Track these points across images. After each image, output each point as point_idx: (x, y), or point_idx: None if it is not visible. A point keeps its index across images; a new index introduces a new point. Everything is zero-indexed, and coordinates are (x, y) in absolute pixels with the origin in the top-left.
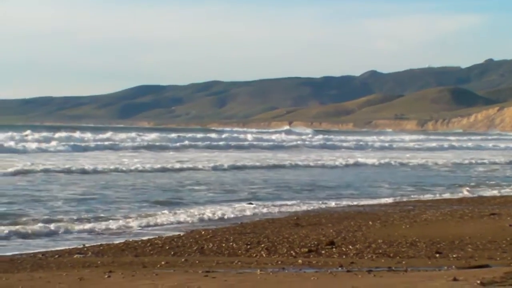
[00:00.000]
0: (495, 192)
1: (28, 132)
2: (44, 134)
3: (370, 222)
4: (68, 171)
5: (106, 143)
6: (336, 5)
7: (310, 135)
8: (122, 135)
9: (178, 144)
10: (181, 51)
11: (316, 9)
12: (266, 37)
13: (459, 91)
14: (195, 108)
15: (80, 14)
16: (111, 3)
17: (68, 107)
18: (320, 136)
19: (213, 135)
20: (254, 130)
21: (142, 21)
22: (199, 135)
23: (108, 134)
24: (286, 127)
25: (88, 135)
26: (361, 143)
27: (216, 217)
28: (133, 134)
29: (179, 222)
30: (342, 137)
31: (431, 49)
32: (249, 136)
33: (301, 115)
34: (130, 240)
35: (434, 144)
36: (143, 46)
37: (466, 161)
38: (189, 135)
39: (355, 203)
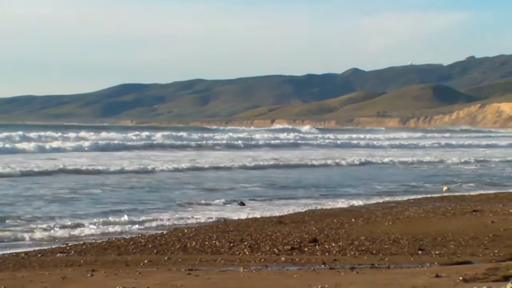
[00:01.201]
0: None
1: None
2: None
3: (353, 219)
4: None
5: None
6: (318, 3)
7: (316, 134)
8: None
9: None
10: (164, 49)
11: (298, 8)
12: (249, 36)
13: (441, 88)
14: (177, 106)
15: (62, 13)
16: (93, 1)
17: (51, 106)
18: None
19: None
20: (254, 128)
21: (125, 20)
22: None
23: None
24: (282, 125)
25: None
26: (374, 142)
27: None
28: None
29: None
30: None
31: (413, 46)
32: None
33: (284, 113)
34: (113, 238)
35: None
36: (126, 44)
37: None
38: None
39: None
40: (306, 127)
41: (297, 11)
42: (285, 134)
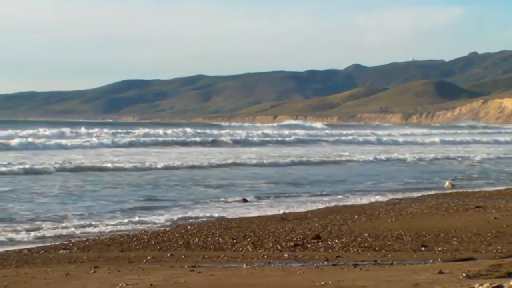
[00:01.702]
0: None
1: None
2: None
3: (356, 216)
4: None
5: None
6: None
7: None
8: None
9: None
10: (166, 45)
11: (300, 3)
12: (251, 31)
13: (443, 84)
14: (179, 102)
15: (64, 9)
16: None
17: (52, 102)
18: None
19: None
20: (263, 124)
21: (127, 17)
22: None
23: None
24: (292, 121)
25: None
26: (383, 138)
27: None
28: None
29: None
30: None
31: (415, 42)
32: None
33: (286, 109)
34: (116, 235)
35: None
36: (128, 40)
37: None
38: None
39: None
40: (316, 124)
41: (299, 7)
42: (294, 130)
